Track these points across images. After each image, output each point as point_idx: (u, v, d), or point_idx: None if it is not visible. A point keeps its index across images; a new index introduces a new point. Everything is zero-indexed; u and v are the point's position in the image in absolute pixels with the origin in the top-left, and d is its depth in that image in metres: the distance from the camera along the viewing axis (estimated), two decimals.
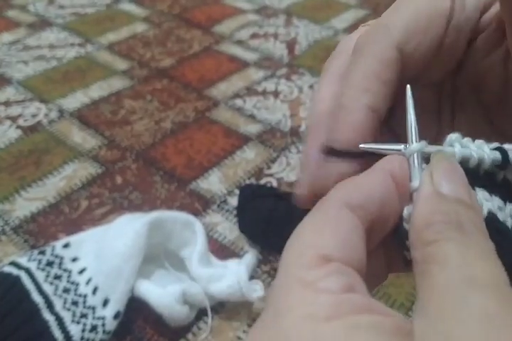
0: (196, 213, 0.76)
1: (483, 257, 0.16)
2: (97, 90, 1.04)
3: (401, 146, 0.21)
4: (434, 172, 0.19)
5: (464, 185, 0.19)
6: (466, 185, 0.19)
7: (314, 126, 0.24)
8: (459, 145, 0.21)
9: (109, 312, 0.59)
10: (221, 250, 0.72)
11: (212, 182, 0.83)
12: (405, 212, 0.20)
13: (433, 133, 0.25)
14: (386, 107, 0.23)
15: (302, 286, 0.16)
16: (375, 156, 0.21)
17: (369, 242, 0.20)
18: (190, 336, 0.62)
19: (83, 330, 0.58)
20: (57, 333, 0.57)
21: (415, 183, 0.19)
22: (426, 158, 0.20)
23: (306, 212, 0.21)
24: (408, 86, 0.22)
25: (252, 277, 0.66)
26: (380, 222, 0.20)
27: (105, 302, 0.60)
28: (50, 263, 0.64)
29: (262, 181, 0.83)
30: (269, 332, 0.16)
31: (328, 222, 0.19)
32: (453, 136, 0.21)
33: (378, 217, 0.20)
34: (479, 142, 0.21)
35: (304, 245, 0.18)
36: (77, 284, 0.62)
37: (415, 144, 0.21)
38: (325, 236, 0.18)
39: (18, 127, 0.94)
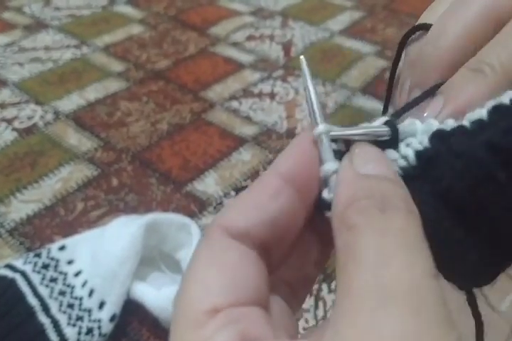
0: (192, 215, 0.76)
1: (403, 245, 0.15)
2: (92, 92, 1.04)
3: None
4: (353, 156, 0.18)
5: (386, 165, 0.18)
6: (388, 165, 0.18)
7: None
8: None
9: (105, 315, 0.59)
10: None
11: (209, 184, 0.83)
12: (325, 195, 0.19)
13: None
14: None
15: None
16: None
17: (273, 258, 0.19)
18: None
19: (79, 333, 0.58)
20: (52, 336, 0.57)
21: (328, 166, 0.18)
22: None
23: None
24: (302, 57, 0.21)
25: None
26: (278, 233, 0.18)
27: (101, 305, 0.60)
28: (45, 266, 0.64)
29: None
30: None
31: (212, 258, 0.17)
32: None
33: (275, 232, 0.18)
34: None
35: (188, 300, 0.17)
36: (73, 287, 0.62)
37: (321, 125, 0.19)
38: (210, 280, 0.17)
39: (14, 129, 0.94)
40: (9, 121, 0.96)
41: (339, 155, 0.19)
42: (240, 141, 0.92)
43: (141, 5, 1.41)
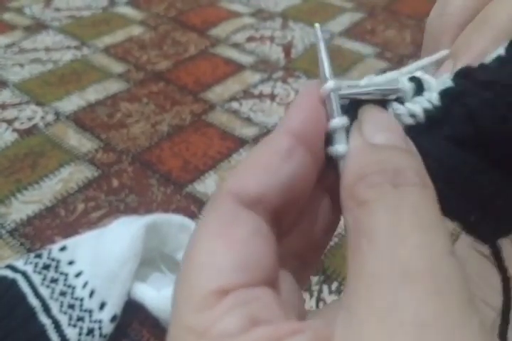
0: (192, 216, 0.76)
1: (418, 223, 0.14)
2: (93, 93, 1.04)
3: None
4: (363, 124, 0.17)
5: (397, 132, 0.17)
6: (400, 132, 0.17)
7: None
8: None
9: (105, 316, 0.59)
10: None
11: (209, 186, 0.83)
12: (330, 152, 0.18)
13: None
14: None
15: (195, 338, 0.14)
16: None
17: (283, 225, 0.17)
18: None
19: (80, 334, 0.58)
20: (53, 337, 0.57)
21: (335, 122, 0.18)
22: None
23: None
24: (317, 24, 0.21)
25: None
26: (291, 198, 0.17)
27: (102, 306, 0.60)
28: (46, 267, 0.64)
29: None
30: None
31: (221, 230, 0.16)
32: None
33: (288, 196, 0.17)
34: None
35: (193, 279, 0.15)
36: (74, 287, 0.62)
37: (330, 82, 0.19)
38: (219, 257, 0.15)
39: (14, 130, 0.94)
40: (9, 122, 0.96)
41: (348, 111, 0.19)
42: (240, 142, 0.92)
43: (142, 6, 1.41)
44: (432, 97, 0.18)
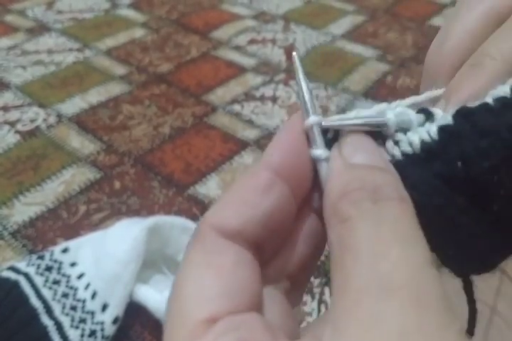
0: (194, 218, 0.76)
1: (398, 236, 0.15)
2: (95, 95, 1.05)
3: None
4: (343, 146, 0.18)
5: (375, 153, 0.18)
6: (377, 153, 0.18)
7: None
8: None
9: (108, 317, 0.59)
10: None
11: (210, 188, 0.83)
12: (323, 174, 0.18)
13: None
14: None
15: None
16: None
17: (267, 252, 0.18)
18: None
19: (82, 335, 0.58)
20: (56, 338, 0.57)
21: (318, 151, 0.18)
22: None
23: None
24: (294, 53, 0.21)
25: None
26: (272, 228, 0.18)
27: (104, 307, 0.60)
28: (48, 268, 0.64)
29: None
30: None
31: (207, 262, 0.16)
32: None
33: (268, 227, 0.18)
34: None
35: (183, 308, 0.16)
36: (76, 289, 0.62)
37: (312, 116, 0.19)
38: (206, 287, 0.16)
39: (17, 132, 0.94)
40: (12, 124, 0.96)
41: (329, 144, 0.19)
42: (242, 145, 0.92)
43: (144, 8, 1.42)
44: (431, 130, 0.19)
